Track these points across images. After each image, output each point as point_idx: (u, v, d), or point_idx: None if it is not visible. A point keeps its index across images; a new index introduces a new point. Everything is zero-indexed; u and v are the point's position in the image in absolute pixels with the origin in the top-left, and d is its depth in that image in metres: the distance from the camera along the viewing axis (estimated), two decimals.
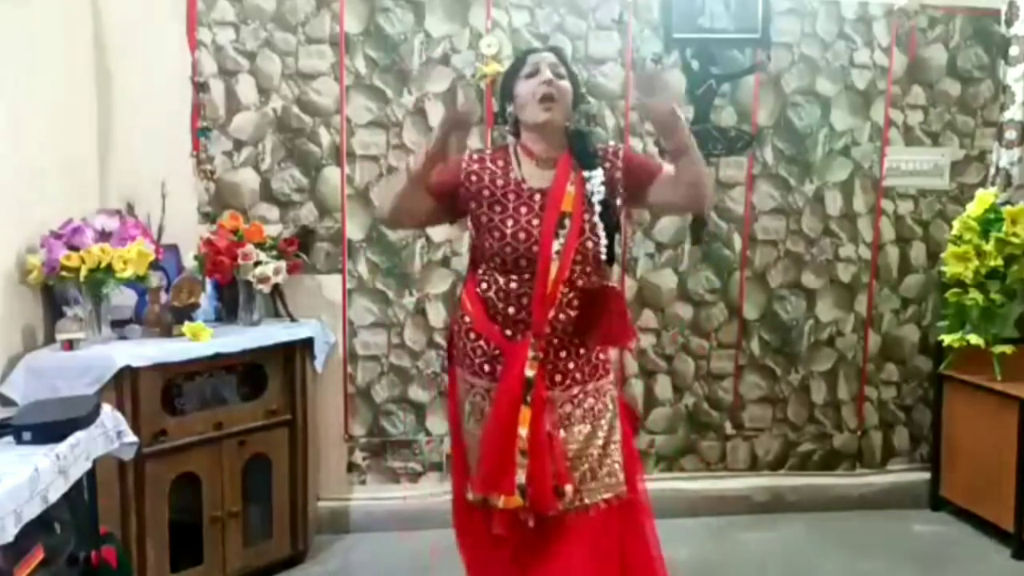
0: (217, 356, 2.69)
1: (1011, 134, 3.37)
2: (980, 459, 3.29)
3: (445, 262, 3.29)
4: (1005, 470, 3.12)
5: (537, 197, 2.06)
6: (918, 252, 3.55)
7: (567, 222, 2.02)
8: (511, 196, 2.07)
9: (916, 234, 3.54)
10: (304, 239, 3.14)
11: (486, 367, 2.09)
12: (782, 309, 3.49)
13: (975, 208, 3.25)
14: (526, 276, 2.03)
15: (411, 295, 3.29)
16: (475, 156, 2.16)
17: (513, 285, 2.05)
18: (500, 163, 2.13)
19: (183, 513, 2.71)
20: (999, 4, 3.42)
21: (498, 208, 2.07)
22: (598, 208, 2.04)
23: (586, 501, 2.07)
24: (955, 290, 3.29)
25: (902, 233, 3.53)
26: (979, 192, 3.30)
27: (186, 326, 2.69)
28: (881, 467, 3.63)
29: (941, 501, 3.53)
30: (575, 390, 2.09)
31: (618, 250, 2.11)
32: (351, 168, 3.21)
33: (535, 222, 2.03)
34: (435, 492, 3.36)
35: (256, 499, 2.88)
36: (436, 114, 3.21)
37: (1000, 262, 3.17)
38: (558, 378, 2.08)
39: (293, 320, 3.07)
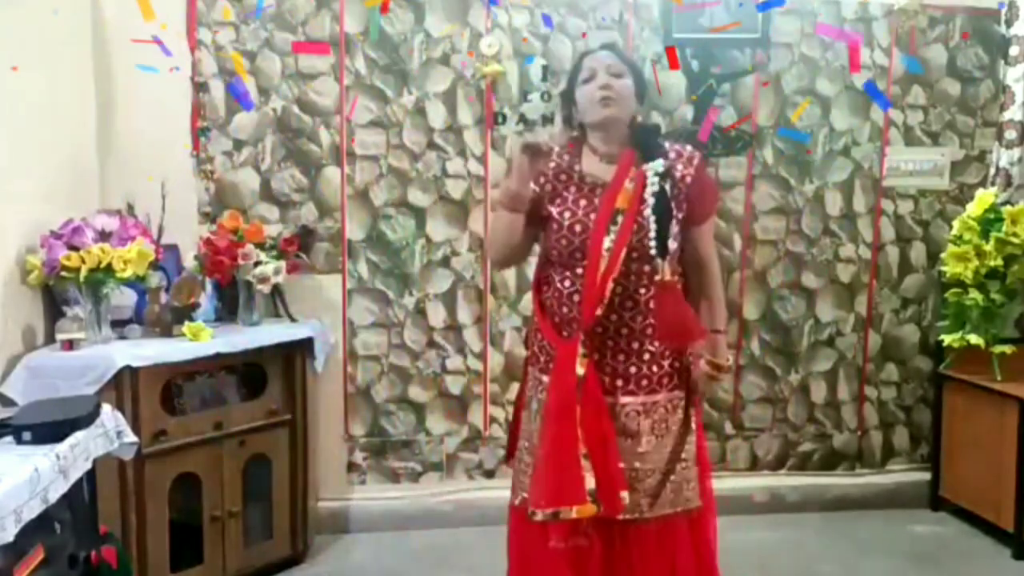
0: (217, 356, 2.68)
1: (1011, 134, 3.37)
2: (980, 459, 3.28)
3: (445, 262, 3.29)
4: (1005, 470, 3.12)
5: (598, 191, 2.04)
6: (918, 252, 3.55)
7: (620, 219, 1.99)
8: (572, 189, 2.07)
9: (916, 234, 3.54)
10: (304, 239, 3.14)
11: (551, 364, 2.08)
12: (782, 309, 3.49)
13: (975, 208, 3.25)
14: (579, 273, 2.01)
15: (411, 295, 3.29)
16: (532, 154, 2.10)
17: (567, 284, 2.04)
18: (567, 157, 2.11)
19: (183, 513, 2.72)
20: (999, 4, 3.42)
21: (558, 201, 2.06)
22: (651, 200, 1.99)
23: (646, 515, 2.04)
24: (955, 290, 3.28)
25: (902, 233, 3.53)
26: (979, 192, 3.30)
27: (186, 326, 2.69)
28: (881, 467, 3.63)
29: (941, 501, 3.53)
30: (641, 397, 2.06)
31: (674, 244, 2.03)
32: (351, 168, 3.21)
33: (592, 216, 2.01)
34: (435, 492, 3.37)
35: (256, 499, 2.88)
36: (436, 114, 3.21)
37: (1000, 262, 3.17)
38: (619, 383, 2.05)
39: (293, 320, 3.07)
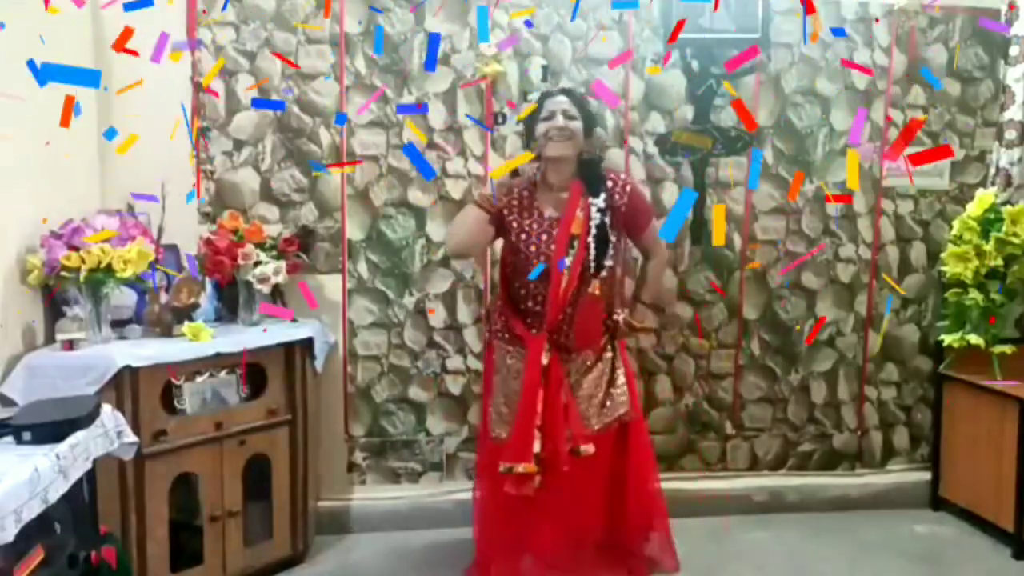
0: (217, 356, 2.69)
1: (1011, 134, 3.38)
2: (980, 459, 3.29)
3: (445, 262, 3.29)
4: (1005, 470, 3.13)
5: (555, 225, 2.64)
6: (918, 252, 3.55)
7: (575, 243, 2.60)
8: (534, 226, 2.67)
9: (916, 234, 3.54)
10: (304, 239, 3.14)
11: (515, 339, 2.73)
12: (782, 309, 3.49)
13: (975, 208, 3.25)
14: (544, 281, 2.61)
15: (411, 295, 3.29)
16: (505, 192, 2.70)
17: (531, 286, 2.64)
18: (526, 194, 2.71)
19: (183, 513, 2.72)
20: (999, 4, 3.42)
21: (523, 236, 2.67)
22: (594, 230, 2.62)
23: (595, 427, 2.70)
24: (955, 290, 3.29)
25: (902, 233, 3.53)
26: (979, 192, 3.30)
27: (186, 326, 2.69)
28: (881, 467, 3.63)
29: (941, 501, 3.53)
30: (581, 354, 2.73)
31: (609, 263, 2.71)
32: (351, 168, 3.21)
33: (552, 247, 2.62)
34: (435, 492, 3.37)
35: (256, 499, 2.88)
36: (436, 114, 3.21)
37: (1000, 262, 3.17)
38: (566, 353, 2.70)
39: (293, 320, 3.07)
